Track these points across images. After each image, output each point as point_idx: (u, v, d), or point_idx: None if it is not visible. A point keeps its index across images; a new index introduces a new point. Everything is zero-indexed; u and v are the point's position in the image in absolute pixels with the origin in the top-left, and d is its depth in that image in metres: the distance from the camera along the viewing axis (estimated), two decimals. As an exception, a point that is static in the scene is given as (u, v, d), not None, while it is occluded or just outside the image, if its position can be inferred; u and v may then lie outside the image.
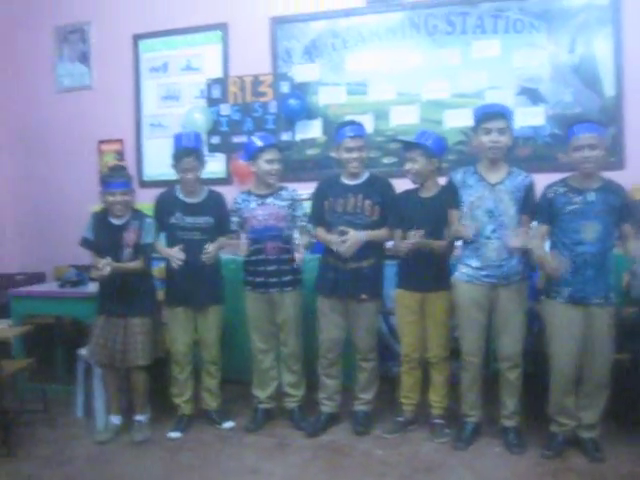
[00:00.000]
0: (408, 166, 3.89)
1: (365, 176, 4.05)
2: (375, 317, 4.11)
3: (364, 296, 3.97)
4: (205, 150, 5.01)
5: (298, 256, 4.12)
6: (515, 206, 3.67)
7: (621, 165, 4.86)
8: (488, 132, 3.65)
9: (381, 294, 4.09)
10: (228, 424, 4.24)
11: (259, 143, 4.11)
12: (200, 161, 4.14)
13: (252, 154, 4.12)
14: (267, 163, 4.07)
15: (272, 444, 3.97)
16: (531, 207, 3.70)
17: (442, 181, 3.94)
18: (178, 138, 4.20)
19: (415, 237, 3.68)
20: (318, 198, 4.12)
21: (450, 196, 3.81)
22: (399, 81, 5.19)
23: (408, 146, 3.93)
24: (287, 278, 4.12)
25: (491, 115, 3.68)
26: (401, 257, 3.93)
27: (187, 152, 4.07)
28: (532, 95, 4.98)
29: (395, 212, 3.93)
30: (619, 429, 3.93)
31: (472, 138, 3.78)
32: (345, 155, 3.97)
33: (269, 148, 4.09)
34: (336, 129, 4.11)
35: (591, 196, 3.54)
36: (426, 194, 3.92)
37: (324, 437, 4.02)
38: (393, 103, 5.20)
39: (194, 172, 4.09)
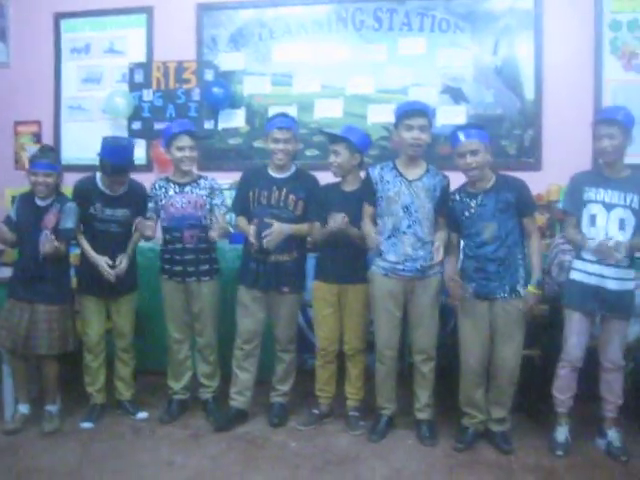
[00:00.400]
0: (332, 159, 3.90)
1: (292, 170, 4.04)
2: (296, 309, 4.12)
3: (286, 289, 3.98)
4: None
5: (212, 234, 3.98)
6: (431, 203, 3.73)
7: (538, 166, 5.00)
8: (410, 129, 3.68)
9: (303, 287, 4.10)
10: (142, 415, 4.17)
11: (172, 129, 4.07)
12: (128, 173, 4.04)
13: (167, 140, 4.06)
14: (178, 150, 4.01)
15: (186, 435, 3.92)
16: (444, 208, 3.76)
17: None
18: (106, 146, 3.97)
19: (338, 221, 3.68)
20: (243, 187, 4.08)
21: (367, 190, 3.83)
22: (324, 74, 5.20)
23: (333, 139, 3.94)
24: (205, 267, 4.08)
25: (413, 112, 3.71)
26: (319, 248, 3.97)
27: (116, 168, 3.91)
28: (455, 94, 5.07)
29: (317, 205, 3.93)
30: (528, 422, 4.04)
31: (393, 134, 3.80)
32: (272, 146, 3.95)
33: (181, 135, 4.02)
34: (268, 120, 4.11)
35: (483, 198, 3.64)
36: (348, 188, 3.94)
37: (239, 428, 3.99)
38: (318, 96, 5.20)
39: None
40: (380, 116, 5.04)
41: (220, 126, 5.34)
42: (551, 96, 4.99)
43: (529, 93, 5.01)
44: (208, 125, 5.33)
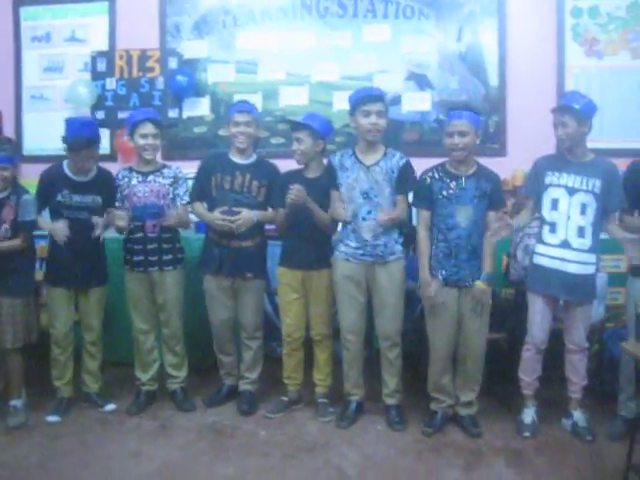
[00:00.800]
0: (295, 146, 3.89)
1: (254, 157, 4.06)
2: (261, 295, 4.14)
3: (249, 275, 3.99)
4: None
5: (166, 220, 3.98)
6: (389, 187, 3.73)
7: (503, 152, 5.05)
8: (367, 114, 3.67)
9: (266, 272, 4.12)
10: (110, 407, 4.13)
11: (134, 118, 4.03)
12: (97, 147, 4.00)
13: (130, 128, 4.03)
14: (141, 138, 3.98)
15: (154, 427, 3.89)
16: (406, 187, 3.77)
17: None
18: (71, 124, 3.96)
19: (296, 190, 3.68)
20: (204, 173, 4.06)
21: (330, 178, 3.84)
22: (289, 62, 5.18)
23: (296, 126, 3.92)
24: (168, 257, 4.05)
25: (370, 98, 3.70)
26: (283, 235, 3.97)
27: (85, 142, 3.86)
28: (420, 81, 5.08)
29: (279, 191, 3.92)
30: (496, 405, 4.09)
31: (351, 121, 3.79)
32: (233, 129, 3.96)
33: (143, 122, 3.99)
34: (229, 108, 4.16)
35: (465, 181, 3.65)
36: (310, 174, 3.94)
37: (207, 418, 3.98)
38: (283, 83, 5.18)
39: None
40: (345, 103, 4.94)
41: (185, 114, 5.29)
42: (515, 82, 5.03)
43: (493, 79, 5.04)
44: (172, 114, 5.28)
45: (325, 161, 3.95)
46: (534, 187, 3.75)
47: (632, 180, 3.67)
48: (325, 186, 3.85)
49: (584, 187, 3.59)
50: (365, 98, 3.69)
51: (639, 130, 4.98)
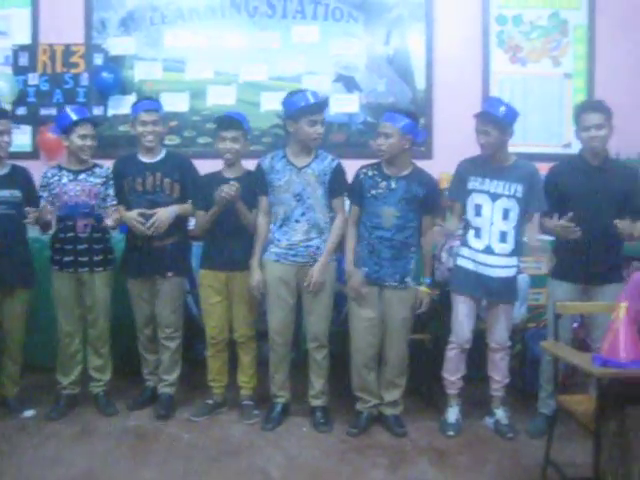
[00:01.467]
0: (229, 145, 3.82)
1: (162, 153, 4.02)
2: (180, 294, 4.09)
3: (170, 273, 3.97)
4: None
5: (107, 221, 3.89)
6: (321, 189, 3.73)
7: (430, 155, 5.11)
8: (314, 124, 3.67)
9: (188, 271, 4.10)
10: (29, 412, 3.99)
11: (73, 117, 3.91)
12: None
13: (65, 128, 3.90)
14: (80, 138, 3.88)
15: (75, 432, 3.78)
16: (340, 190, 3.78)
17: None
18: None
19: (229, 187, 3.66)
20: (116, 178, 4.01)
21: (255, 181, 3.82)
22: (217, 61, 5.12)
23: (229, 125, 3.85)
24: (98, 258, 3.96)
25: (320, 107, 3.73)
26: (204, 236, 3.94)
27: None
28: (348, 83, 5.11)
29: (199, 193, 3.90)
30: (420, 405, 4.14)
31: (289, 125, 3.73)
32: (140, 129, 3.92)
33: (83, 123, 3.91)
34: (131, 106, 4.08)
35: (395, 183, 3.68)
36: (230, 175, 3.89)
37: (130, 422, 3.90)
38: (210, 82, 5.12)
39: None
40: (273, 104, 4.99)
41: (110, 112, 5.17)
42: (441, 86, 5.12)
43: (420, 83, 5.11)
44: (97, 111, 5.14)
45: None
46: (458, 191, 3.82)
47: (552, 184, 3.76)
48: (245, 187, 3.79)
49: (506, 192, 3.66)
50: (316, 107, 3.68)
51: (559, 135, 5.13)
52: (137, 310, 4.07)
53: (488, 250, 3.68)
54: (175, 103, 5.09)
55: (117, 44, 5.18)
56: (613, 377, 2.68)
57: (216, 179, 3.87)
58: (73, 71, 5.17)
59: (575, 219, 3.54)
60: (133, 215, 3.86)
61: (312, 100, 3.69)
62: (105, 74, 5.06)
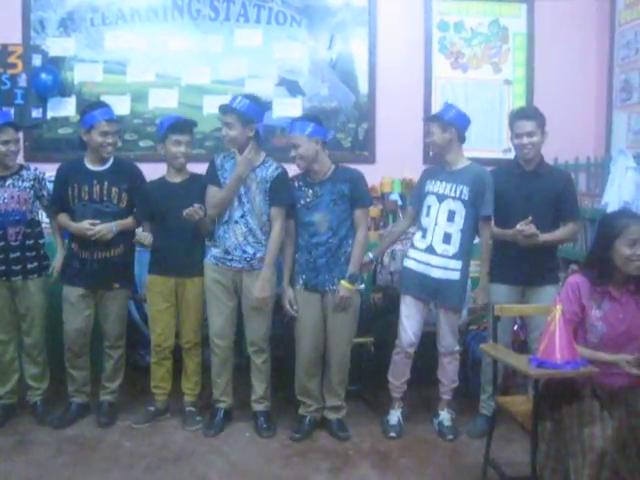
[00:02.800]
0: (182, 149, 3.79)
1: (110, 161, 3.90)
2: (125, 304, 4.03)
3: (117, 285, 3.89)
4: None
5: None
6: (261, 195, 3.71)
7: (372, 159, 5.15)
8: (225, 126, 3.70)
9: (132, 281, 4.03)
10: None
11: None
12: None
13: None
14: (2, 144, 3.73)
15: (12, 442, 3.69)
16: (278, 199, 3.73)
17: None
18: None
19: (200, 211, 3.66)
20: (59, 184, 3.90)
21: (208, 175, 3.81)
22: (159, 63, 5.05)
23: (184, 129, 3.84)
24: (32, 265, 3.86)
25: (222, 110, 3.75)
26: (153, 242, 3.89)
27: None
28: (291, 87, 5.11)
29: (142, 204, 3.86)
30: (363, 408, 4.16)
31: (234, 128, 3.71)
32: (100, 139, 3.77)
33: (4, 127, 3.75)
34: (84, 111, 3.89)
35: (320, 188, 3.70)
36: (176, 179, 3.87)
37: (69, 431, 3.82)
38: (152, 85, 5.04)
39: None
40: (215, 107, 4.88)
41: (49, 115, 5.04)
42: (384, 91, 5.15)
43: (363, 87, 5.14)
44: (36, 113, 5.03)
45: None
46: (415, 198, 3.91)
47: None
48: (190, 191, 3.78)
49: (452, 194, 3.71)
50: (219, 110, 3.76)
51: (500, 141, 5.23)
52: (69, 320, 3.91)
53: (430, 250, 3.73)
54: (116, 106, 4.82)
55: (56, 45, 5.05)
56: (549, 378, 2.74)
57: (162, 186, 3.85)
58: (11, 72, 5.04)
59: (509, 224, 3.66)
60: (85, 226, 3.76)
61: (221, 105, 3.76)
62: (44, 75, 4.94)
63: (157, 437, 3.78)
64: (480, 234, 3.77)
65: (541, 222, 3.64)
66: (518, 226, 3.58)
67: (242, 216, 3.72)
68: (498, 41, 5.24)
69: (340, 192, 3.67)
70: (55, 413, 3.98)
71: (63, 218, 3.89)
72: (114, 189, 3.84)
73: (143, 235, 3.91)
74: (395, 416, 3.87)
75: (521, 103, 5.16)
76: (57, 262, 3.96)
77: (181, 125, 3.85)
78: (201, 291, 3.86)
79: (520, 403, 3.13)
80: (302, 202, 3.72)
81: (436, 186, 3.76)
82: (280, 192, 3.72)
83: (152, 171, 4.01)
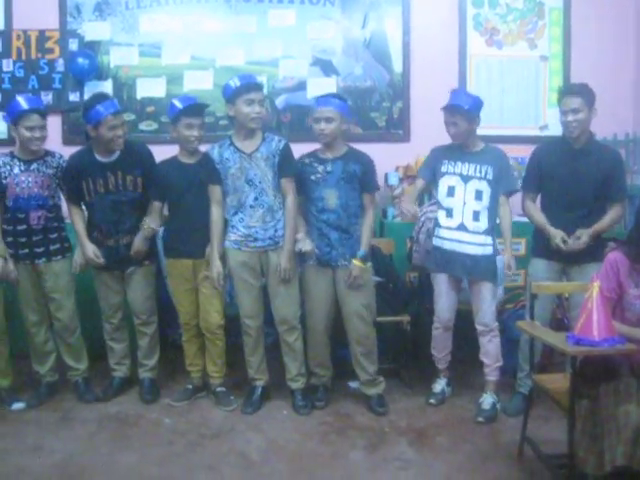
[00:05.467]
0: (195, 133, 3.79)
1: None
2: (152, 280, 4.08)
3: (147, 262, 4.00)
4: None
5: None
6: (271, 171, 3.73)
7: (407, 138, 5.13)
8: (251, 103, 3.65)
9: (156, 257, 4.09)
10: (17, 405, 3.94)
11: (22, 105, 3.75)
12: None
13: (14, 117, 3.77)
14: (27, 130, 3.75)
15: (55, 419, 3.79)
16: (289, 170, 3.76)
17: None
18: None
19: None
20: (72, 179, 3.90)
21: (206, 171, 3.79)
22: (194, 45, 5.08)
23: (199, 111, 3.85)
24: (55, 246, 3.92)
25: (253, 86, 3.70)
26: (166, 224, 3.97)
27: None
28: (325, 66, 5.10)
29: (155, 183, 3.88)
30: (401, 387, 4.18)
31: (229, 109, 3.72)
32: (109, 134, 3.74)
33: (28, 114, 3.74)
34: (89, 106, 3.77)
35: (331, 165, 3.74)
36: (189, 160, 3.88)
37: (110, 408, 3.91)
38: (187, 67, 5.08)
39: None
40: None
41: (86, 98, 5.11)
42: (418, 69, 5.12)
43: (397, 66, 5.11)
44: (73, 97, 5.10)
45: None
46: (426, 171, 3.93)
47: (534, 165, 3.87)
48: (200, 173, 3.82)
49: (477, 174, 3.77)
50: (249, 86, 3.67)
51: (536, 118, 5.16)
52: (104, 299, 4.02)
53: (462, 227, 3.78)
54: (152, 88, 5.06)
55: (92, 29, 5.11)
56: (586, 356, 2.73)
57: (176, 167, 3.87)
58: (48, 57, 5.11)
59: (555, 201, 3.74)
60: (91, 255, 3.86)
61: (241, 82, 3.67)
62: (80, 60, 4.99)
63: (196, 414, 3.84)
64: (502, 209, 3.81)
65: (587, 200, 3.68)
66: (570, 243, 3.63)
67: (255, 199, 3.73)
68: (534, 16, 5.16)
69: (351, 172, 3.73)
70: (97, 390, 4.07)
71: (77, 217, 3.94)
72: (129, 177, 3.86)
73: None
74: (440, 385, 3.97)
75: (557, 79, 5.11)
76: (79, 257, 3.97)
77: (193, 108, 3.83)
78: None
79: (557, 381, 3.12)
80: (312, 178, 3.77)
81: (457, 167, 3.80)
82: (288, 163, 3.76)
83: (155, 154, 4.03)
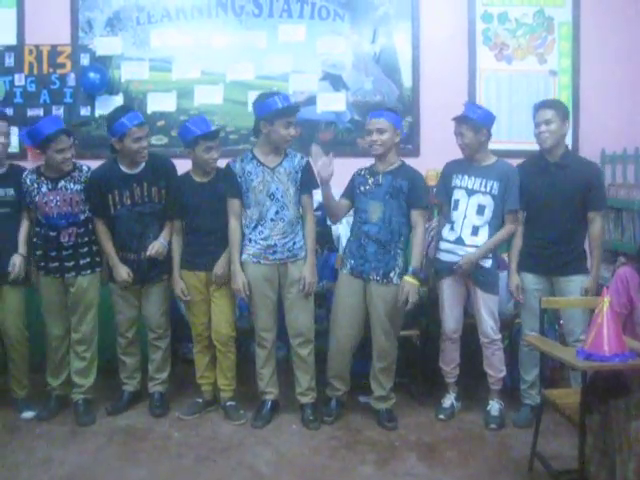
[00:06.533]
0: (214, 155, 3.85)
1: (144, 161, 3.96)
2: (167, 295, 4.10)
3: (165, 276, 4.02)
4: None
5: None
6: (294, 187, 3.79)
7: (417, 152, 5.13)
8: (288, 126, 3.72)
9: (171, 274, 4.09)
10: (28, 414, 4.00)
11: (45, 131, 3.75)
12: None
13: (40, 143, 3.79)
14: (58, 153, 3.77)
15: (65, 432, 3.80)
16: (309, 186, 3.84)
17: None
18: None
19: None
20: (95, 191, 3.90)
21: (227, 184, 3.84)
22: (204, 60, 5.10)
23: (214, 134, 3.90)
24: (85, 261, 3.95)
25: (294, 109, 3.80)
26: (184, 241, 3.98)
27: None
28: (334, 81, 5.11)
29: (175, 202, 3.92)
30: (410, 401, 4.18)
31: (263, 127, 3.75)
32: (135, 146, 3.80)
33: (58, 136, 3.76)
34: (114, 119, 3.83)
35: (382, 178, 3.77)
36: (203, 179, 3.92)
37: (120, 421, 3.92)
38: (197, 82, 5.10)
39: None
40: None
41: (97, 113, 5.14)
42: (428, 84, 5.12)
43: (407, 81, 5.12)
44: (84, 112, 5.14)
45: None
46: (443, 193, 3.96)
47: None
48: (216, 190, 3.87)
49: (482, 189, 3.80)
50: (289, 109, 3.73)
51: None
52: (121, 313, 4.06)
53: (459, 241, 3.82)
54: (162, 103, 5.09)
55: (104, 44, 5.15)
56: (596, 371, 2.72)
57: (191, 185, 3.91)
58: (60, 72, 5.15)
59: (535, 216, 3.80)
60: (122, 274, 3.91)
61: (284, 103, 3.72)
62: (92, 74, 5.03)
63: (205, 428, 3.84)
64: (506, 227, 3.83)
65: (566, 213, 3.73)
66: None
67: (277, 212, 3.77)
68: (543, 31, 5.17)
69: (398, 187, 3.74)
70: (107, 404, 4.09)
71: (102, 231, 3.95)
72: (154, 189, 3.92)
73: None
74: (449, 400, 3.97)
75: (567, 94, 5.10)
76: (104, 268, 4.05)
77: (213, 133, 3.88)
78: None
79: (566, 396, 3.11)
80: (362, 189, 3.81)
81: (464, 181, 3.84)
82: (311, 180, 3.83)
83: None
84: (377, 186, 3.77)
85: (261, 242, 3.78)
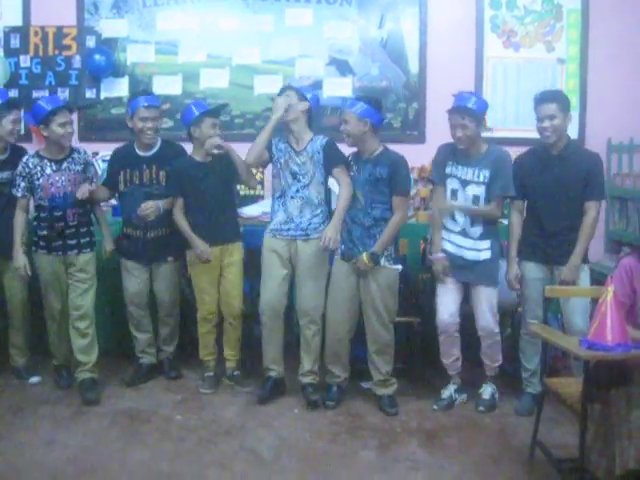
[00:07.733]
0: (218, 131, 4.01)
1: (157, 146, 4.12)
2: (177, 275, 4.26)
3: (171, 258, 4.15)
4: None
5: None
6: (318, 167, 3.85)
7: (422, 139, 5.12)
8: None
9: (182, 255, 4.16)
10: (34, 379, 4.18)
11: (48, 107, 3.86)
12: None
13: (42, 119, 3.86)
14: (60, 127, 3.85)
15: (69, 413, 3.82)
16: (336, 161, 3.86)
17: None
18: None
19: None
20: (113, 167, 4.20)
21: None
22: (210, 44, 5.11)
23: (217, 113, 4.06)
24: (85, 240, 4.04)
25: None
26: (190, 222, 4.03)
27: None
28: (341, 66, 5.11)
29: (176, 182, 4.02)
30: (411, 387, 4.17)
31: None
32: (140, 125, 4.00)
33: (61, 110, 3.88)
34: (130, 98, 4.18)
35: (362, 166, 3.81)
36: (205, 159, 4.01)
37: (123, 403, 3.95)
38: (203, 65, 5.11)
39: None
40: (266, 87, 4.99)
41: (102, 95, 5.15)
42: (435, 70, 5.10)
43: (414, 67, 5.11)
44: (90, 94, 5.15)
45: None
46: (439, 174, 3.92)
47: (516, 174, 3.82)
48: (220, 170, 3.98)
49: (475, 179, 3.78)
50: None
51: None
52: (129, 288, 4.18)
53: (463, 233, 3.82)
54: (168, 86, 5.09)
55: (109, 26, 5.15)
56: (598, 360, 2.72)
57: (194, 166, 4.02)
58: (65, 53, 5.16)
59: (538, 209, 3.77)
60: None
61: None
62: (97, 57, 5.03)
63: (207, 411, 3.86)
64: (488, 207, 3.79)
65: (568, 204, 3.70)
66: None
67: (297, 191, 3.86)
68: (551, 19, 5.13)
69: (377, 175, 3.76)
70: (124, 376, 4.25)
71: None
72: (162, 173, 4.08)
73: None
74: (448, 391, 3.95)
75: (574, 82, 5.09)
76: (107, 244, 4.14)
77: (219, 109, 4.11)
78: (241, 256, 4.06)
79: (568, 385, 3.11)
80: (351, 174, 3.86)
81: (458, 170, 3.83)
82: (335, 154, 3.87)
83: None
84: (358, 174, 3.82)
85: (280, 214, 3.89)
